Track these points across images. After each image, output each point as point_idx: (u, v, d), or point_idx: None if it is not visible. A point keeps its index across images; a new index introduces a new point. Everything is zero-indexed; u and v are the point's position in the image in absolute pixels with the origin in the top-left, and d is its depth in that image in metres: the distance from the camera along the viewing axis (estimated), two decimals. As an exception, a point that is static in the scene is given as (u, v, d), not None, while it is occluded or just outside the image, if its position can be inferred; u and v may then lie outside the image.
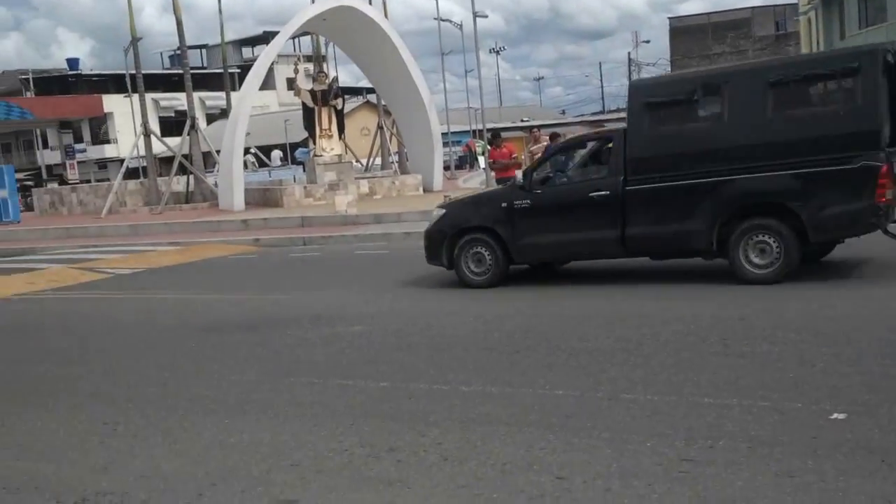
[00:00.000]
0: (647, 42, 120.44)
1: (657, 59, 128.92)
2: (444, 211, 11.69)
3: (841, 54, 11.42)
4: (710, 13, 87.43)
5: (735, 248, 9.59)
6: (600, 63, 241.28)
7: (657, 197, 10.04)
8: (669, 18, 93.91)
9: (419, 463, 5.03)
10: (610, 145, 10.53)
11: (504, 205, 10.94)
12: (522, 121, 74.45)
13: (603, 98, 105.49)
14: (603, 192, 10.22)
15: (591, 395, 6.03)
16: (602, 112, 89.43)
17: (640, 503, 4.25)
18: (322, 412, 6.22)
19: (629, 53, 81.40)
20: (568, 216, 10.58)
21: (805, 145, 9.30)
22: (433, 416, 5.88)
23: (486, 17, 46.51)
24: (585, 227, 10.37)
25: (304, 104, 28.66)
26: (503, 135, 22.70)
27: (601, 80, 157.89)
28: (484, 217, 11.07)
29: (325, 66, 33.81)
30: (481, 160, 47.56)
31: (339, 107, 28.76)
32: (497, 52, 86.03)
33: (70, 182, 51.53)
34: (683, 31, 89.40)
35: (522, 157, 20.32)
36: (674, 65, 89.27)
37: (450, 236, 11.20)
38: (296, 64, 31.91)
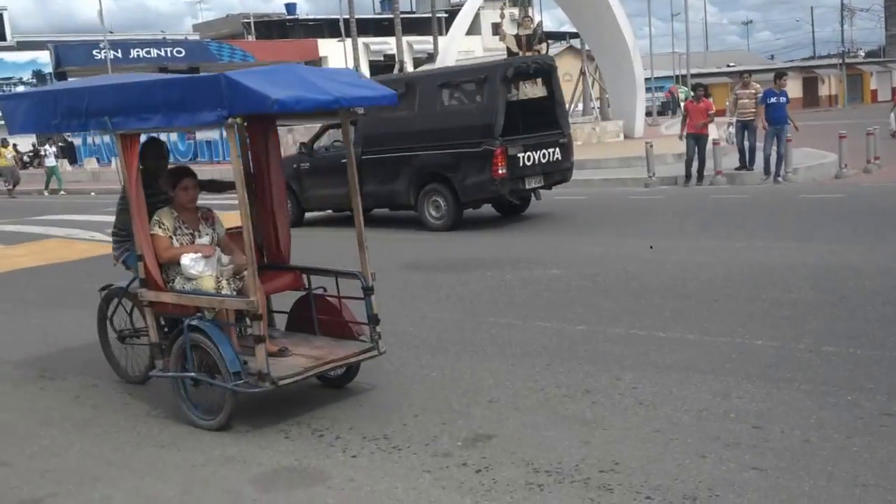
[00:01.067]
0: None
1: (871, 5, 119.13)
2: None
3: (477, 67, 14.02)
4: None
5: (422, 204, 13.20)
6: (812, 7, 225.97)
7: (378, 164, 13.33)
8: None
9: (614, 405, 5.03)
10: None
11: (295, 166, 14.31)
12: (728, 66, 70.99)
13: (814, 43, 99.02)
14: (345, 160, 11.48)
15: (791, 347, 5.82)
16: (813, 57, 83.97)
17: (839, 455, 4.08)
18: (519, 352, 6.31)
19: (841, -1, 75.59)
20: (330, 176, 13.73)
21: (458, 133, 12.59)
22: (628, 360, 5.85)
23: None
24: (341, 185, 11.53)
25: (508, 49, 28.52)
26: (709, 81, 21.60)
27: (812, 25, 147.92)
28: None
29: (530, 11, 33.49)
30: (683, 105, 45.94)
31: (544, 52, 28.48)
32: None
33: (286, 123, 54.04)
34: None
35: (727, 102, 19.00)
36: (887, 10, 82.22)
37: None
38: (502, 9, 31.79)
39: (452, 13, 51.09)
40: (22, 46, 54.88)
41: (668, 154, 20.95)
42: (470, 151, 12.47)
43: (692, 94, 18.95)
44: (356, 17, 34.94)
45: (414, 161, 13.04)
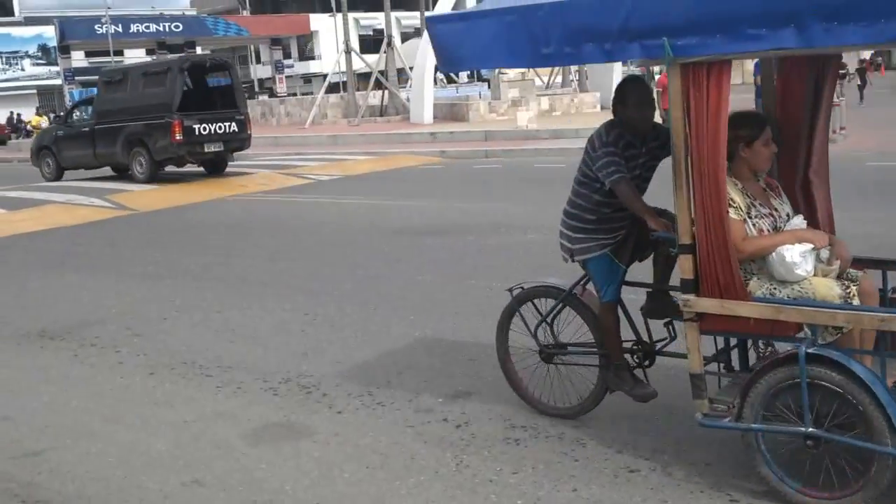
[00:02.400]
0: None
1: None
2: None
3: (164, 61, 19.22)
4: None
5: (131, 162, 16.84)
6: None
7: (105, 133, 17.10)
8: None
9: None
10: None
11: (55, 132, 19.00)
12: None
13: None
14: (86, 128, 17.62)
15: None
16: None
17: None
18: (498, 313, 6.24)
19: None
20: (77, 140, 17.82)
21: (152, 109, 16.17)
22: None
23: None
24: (83, 148, 17.65)
25: (492, 23, 28.32)
26: None
27: None
28: (47, 139, 19.25)
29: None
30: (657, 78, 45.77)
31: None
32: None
33: (279, 95, 53.66)
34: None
35: None
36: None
37: (36, 148, 19.62)
38: (484, -16, 31.43)
39: (439, -11, 50.46)
40: (28, 22, 54.12)
41: (643, 124, 20.87)
42: (157, 123, 15.98)
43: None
44: (346, -8, 34.46)
45: (124, 130, 16.57)
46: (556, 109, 28.70)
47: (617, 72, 30.47)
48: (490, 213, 11.10)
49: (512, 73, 28.11)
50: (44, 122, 29.31)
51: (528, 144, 19.96)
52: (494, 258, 8.26)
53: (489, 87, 34.62)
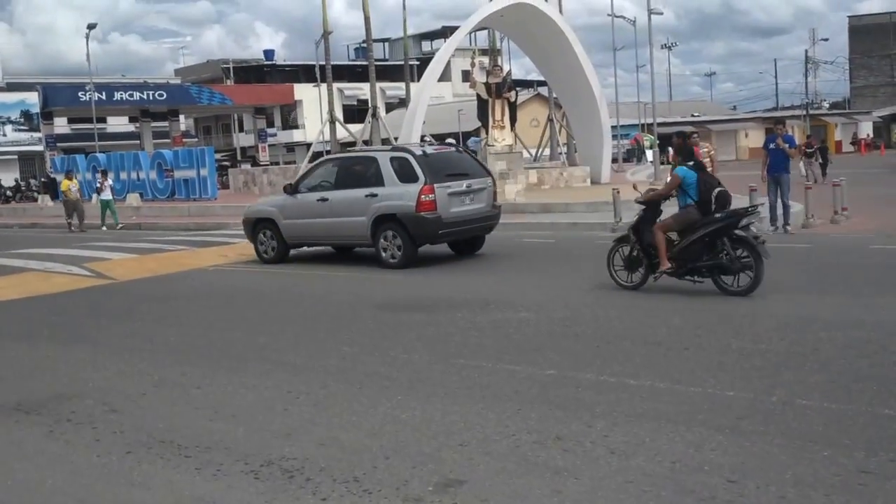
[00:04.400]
0: (826, 40, 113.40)
1: (835, 57, 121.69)
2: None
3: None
4: (893, 13, 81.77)
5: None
6: (775, 60, 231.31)
7: None
8: (849, 17, 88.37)
9: (586, 454, 4.89)
10: None
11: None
12: (693, 115, 72.07)
13: (777, 95, 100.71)
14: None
15: (764, 399, 5.70)
16: (776, 109, 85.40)
17: (817, 514, 3.95)
18: (490, 395, 6.18)
19: (806, 51, 77.14)
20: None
21: None
22: (599, 407, 5.72)
23: (662, 14, 44.99)
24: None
25: (478, 96, 28.68)
26: (674, 130, 21.40)
27: (776, 77, 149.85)
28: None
29: (499, 59, 33.79)
30: (649, 154, 46.41)
31: (513, 99, 28.62)
32: (669, 48, 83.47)
33: (261, 164, 53.97)
34: (863, 30, 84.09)
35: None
36: (852, 63, 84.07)
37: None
38: (472, 58, 32.06)
39: (424, 61, 51.39)
40: (11, 87, 54.60)
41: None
42: None
43: (697, 139, 17.13)
44: (332, 63, 35.01)
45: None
46: (545, 183, 28.96)
47: (607, 146, 30.90)
48: (478, 288, 11.06)
49: (499, 144, 28.43)
50: (74, 185, 26.47)
51: (516, 218, 20.05)
52: (484, 336, 8.19)
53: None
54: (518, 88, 32.76)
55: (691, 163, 10.11)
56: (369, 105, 33.31)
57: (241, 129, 73.87)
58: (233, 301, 11.36)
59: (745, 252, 9.46)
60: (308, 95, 63.96)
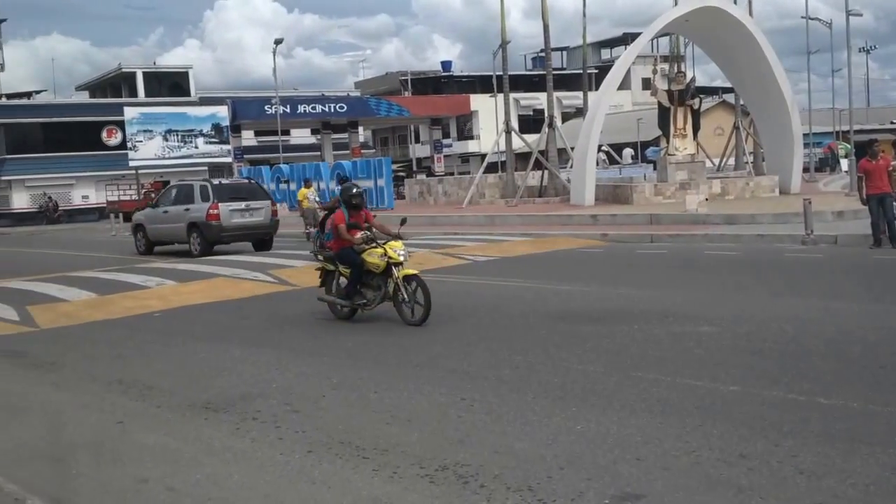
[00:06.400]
0: None
1: None
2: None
3: None
4: None
5: None
6: None
7: None
8: None
9: (772, 473, 4.72)
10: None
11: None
12: (892, 123, 67.71)
13: None
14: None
15: (973, 424, 5.31)
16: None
17: None
18: (669, 410, 6.06)
19: None
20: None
21: None
22: (787, 425, 5.50)
23: (861, 15, 42.33)
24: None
25: (659, 104, 28.19)
26: (873, 138, 20.10)
27: None
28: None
29: (682, 66, 33.01)
30: (844, 163, 43.93)
31: (696, 107, 27.97)
32: (867, 52, 78.65)
33: (436, 174, 55.17)
34: None
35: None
36: None
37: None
38: (654, 65, 31.54)
39: (602, 69, 51.01)
40: (203, 102, 58.48)
41: (828, 211, 20.05)
42: None
43: (868, 150, 16.58)
44: (508, 73, 35.32)
45: None
46: (730, 193, 28.02)
47: (798, 155, 29.52)
48: (656, 300, 10.86)
49: (681, 154, 27.78)
50: (311, 193, 26.02)
51: (697, 230, 19.54)
52: (663, 349, 8.03)
53: (655, 168, 34.31)
54: (702, 95, 31.96)
55: None
56: (546, 115, 33.37)
57: (417, 140, 75.78)
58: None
59: None
60: (484, 106, 64.84)
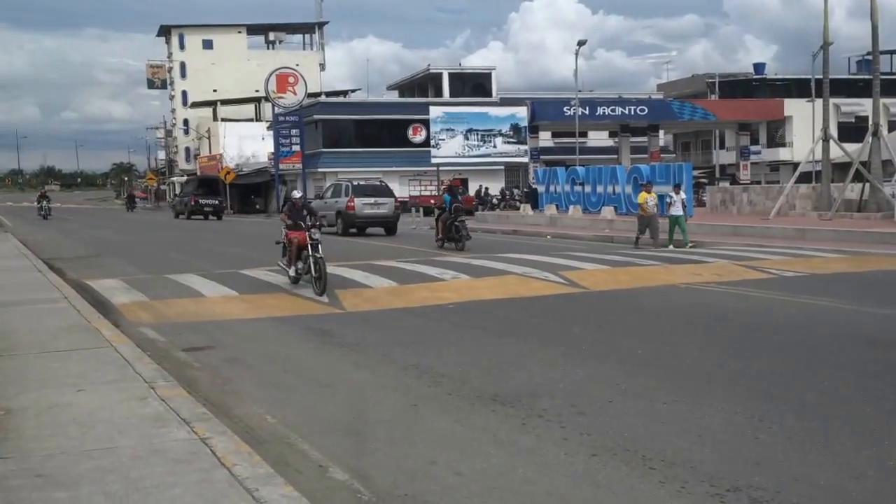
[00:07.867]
0: None
1: None
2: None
3: None
4: None
5: None
6: None
7: None
8: None
9: None
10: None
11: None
12: None
13: None
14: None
15: None
16: None
17: None
18: None
19: None
20: None
21: None
22: None
23: None
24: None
25: None
26: None
27: None
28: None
29: None
30: None
31: None
32: None
33: (741, 182, 52.96)
34: None
35: None
36: None
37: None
38: None
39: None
40: (504, 102, 60.43)
41: None
42: None
43: None
44: (829, 76, 33.11)
45: None
46: None
47: None
48: None
49: None
50: (651, 199, 23.58)
51: None
52: None
53: None
54: None
55: None
56: (870, 122, 30.91)
57: (721, 146, 73.17)
58: (702, 320, 11.33)
59: None
60: (799, 111, 61.32)
